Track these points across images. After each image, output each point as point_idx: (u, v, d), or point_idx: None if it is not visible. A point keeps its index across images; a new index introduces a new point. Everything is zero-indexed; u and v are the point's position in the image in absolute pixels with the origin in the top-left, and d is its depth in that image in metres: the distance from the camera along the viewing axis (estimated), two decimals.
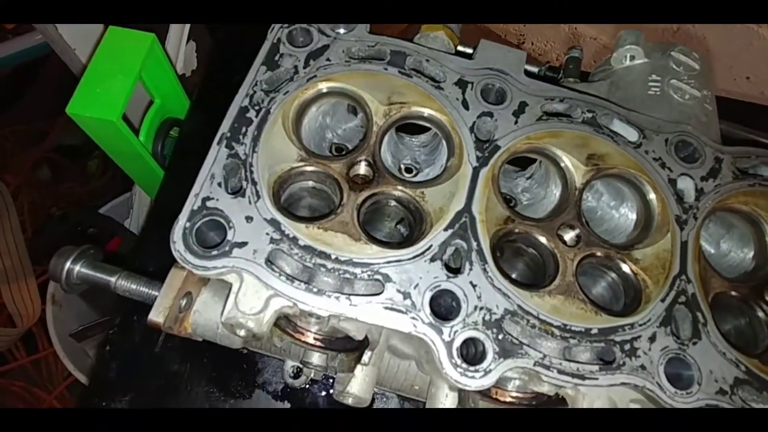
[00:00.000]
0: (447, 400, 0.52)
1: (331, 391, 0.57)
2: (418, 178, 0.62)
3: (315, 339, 0.55)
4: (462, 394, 0.53)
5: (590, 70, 0.79)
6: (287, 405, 0.75)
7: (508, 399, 0.52)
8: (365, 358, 0.52)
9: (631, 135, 0.56)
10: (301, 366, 0.70)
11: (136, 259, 0.76)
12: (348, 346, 0.54)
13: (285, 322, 0.55)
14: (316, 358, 0.56)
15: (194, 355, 0.75)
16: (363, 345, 0.54)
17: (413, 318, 0.45)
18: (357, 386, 0.53)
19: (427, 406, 0.54)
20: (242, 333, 0.46)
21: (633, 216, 0.57)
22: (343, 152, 0.63)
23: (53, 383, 1.62)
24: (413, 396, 0.63)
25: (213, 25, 1.37)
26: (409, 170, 0.64)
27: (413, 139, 0.64)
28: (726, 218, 0.59)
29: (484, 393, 0.53)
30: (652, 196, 0.54)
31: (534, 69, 0.81)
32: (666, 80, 0.62)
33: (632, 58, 0.65)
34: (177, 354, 0.75)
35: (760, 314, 0.52)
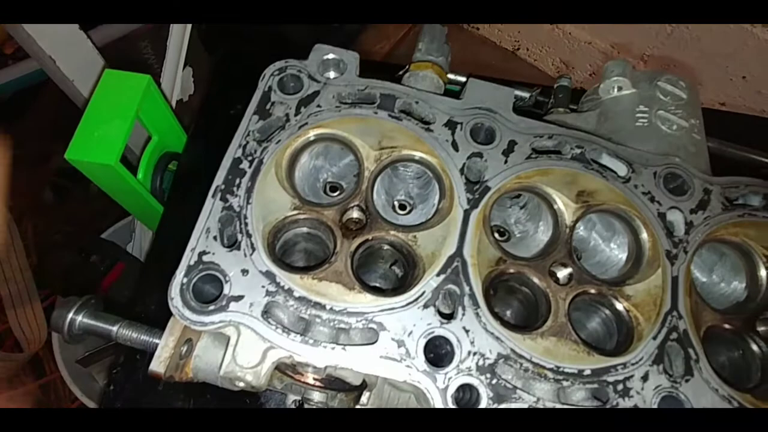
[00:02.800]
0: None
1: None
2: (411, 216, 0.63)
3: (314, 379, 0.56)
4: None
5: (588, 74, 0.79)
6: None
7: None
8: (363, 399, 0.53)
9: (620, 169, 0.57)
10: (302, 401, 0.71)
11: (138, 299, 0.77)
12: (347, 387, 0.55)
13: (284, 365, 0.56)
14: (317, 395, 0.57)
15: (197, 393, 0.76)
16: (362, 386, 0.55)
17: (408, 366, 0.46)
18: None
19: None
20: (241, 384, 0.47)
21: (624, 249, 0.58)
22: (338, 191, 0.64)
23: (61, 406, 1.63)
24: None
25: (209, 48, 1.39)
26: (402, 207, 0.65)
27: (407, 170, 0.65)
28: (718, 246, 0.59)
29: None
30: (642, 231, 0.55)
31: (525, 95, 0.82)
32: (653, 111, 0.63)
33: (620, 88, 0.65)
34: (180, 392, 0.76)
35: (753, 347, 0.53)
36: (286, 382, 0.58)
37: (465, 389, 0.46)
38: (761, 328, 0.54)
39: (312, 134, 0.56)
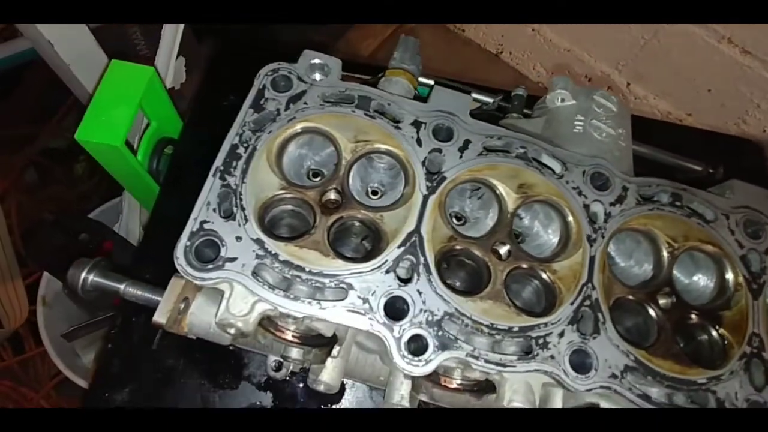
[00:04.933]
0: (402, 386, 0.63)
1: (307, 381, 0.68)
2: (382, 200, 0.73)
3: (293, 336, 0.66)
4: (416, 381, 0.64)
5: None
6: (270, 395, 0.85)
7: (454, 385, 0.64)
8: (334, 351, 0.63)
9: (556, 167, 0.68)
10: (281, 360, 0.81)
11: (136, 268, 0.86)
12: (320, 342, 0.65)
13: (267, 322, 0.66)
14: (294, 352, 0.67)
15: (187, 352, 0.85)
16: (332, 341, 0.65)
17: (370, 318, 0.56)
18: (327, 375, 0.64)
19: (386, 393, 0.65)
20: (232, 331, 0.57)
21: (557, 234, 0.69)
22: (319, 176, 0.74)
23: (40, 383, 1.67)
24: (379, 386, 0.74)
25: (199, 36, 1.46)
26: (375, 192, 0.75)
27: (380, 162, 0.75)
28: (635, 236, 0.71)
29: (435, 381, 0.65)
30: (570, 218, 0.66)
31: (490, 100, 0.94)
32: (588, 120, 0.75)
33: (563, 100, 0.77)
34: (172, 351, 0.85)
35: (652, 313, 0.65)
36: (268, 339, 0.68)
37: (416, 338, 0.56)
38: (661, 301, 0.66)
39: (298, 127, 0.66)
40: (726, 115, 1.95)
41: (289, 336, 0.67)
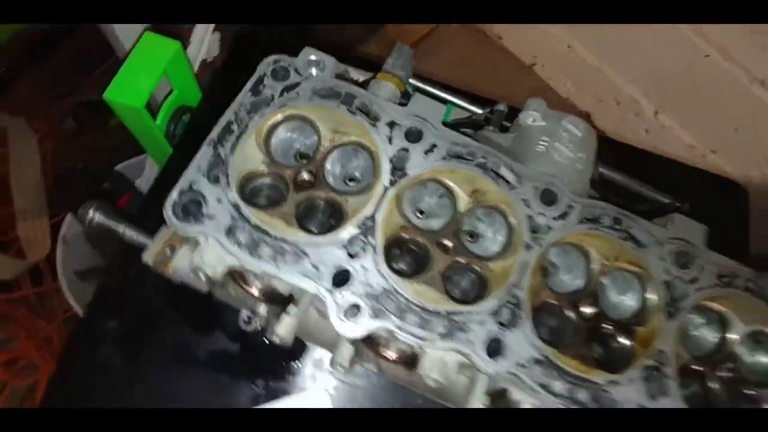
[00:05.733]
0: (345, 350, 0.73)
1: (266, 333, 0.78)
2: (355, 187, 0.82)
3: (259, 292, 0.77)
4: (359, 348, 0.74)
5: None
6: (238, 345, 0.97)
7: (392, 357, 0.74)
8: (289, 309, 0.73)
9: (510, 179, 0.76)
10: (251, 315, 0.92)
11: (140, 217, 0.98)
12: (280, 300, 0.75)
13: (239, 277, 0.77)
14: (261, 308, 0.77)
15: (172, 298, 0.97)
16: (289, 300, 0.75)
17: (316, 283, 0.66)
18: (281, 328, 0.74)
19: (332, 355, 0.74)
20: (202, 276, 0.68)
21: (502, 238, 0.78)
22: (305, 159, 0.84)
23: (53, 315, 1.81)
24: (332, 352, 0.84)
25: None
26: (352, 179, 0.84)
27: (360, 154, 0.83)
28: (572, 250, 0.79)
29: (374, 350, 0.75)
30: (513, 225, 0.74)
31: (480, 111, 1.02)
32: (552, 142, 0.82)
33: (534, 120, 0.85)
34: (161, 295, 0.97)
35: (572, 318, 0.73)
36: (239, 293, 0.79)
37: (354, 306, 0.66)
38: (583, 309, 0.74)
39: (287, 113, 0.76)
40: (749, 156, 1.92)
41: (255, 292, 0.78)
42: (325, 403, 0.93)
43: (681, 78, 1.96)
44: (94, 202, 0.78)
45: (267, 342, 0.93)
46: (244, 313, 0.95)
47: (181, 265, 0.75)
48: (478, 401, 0.66)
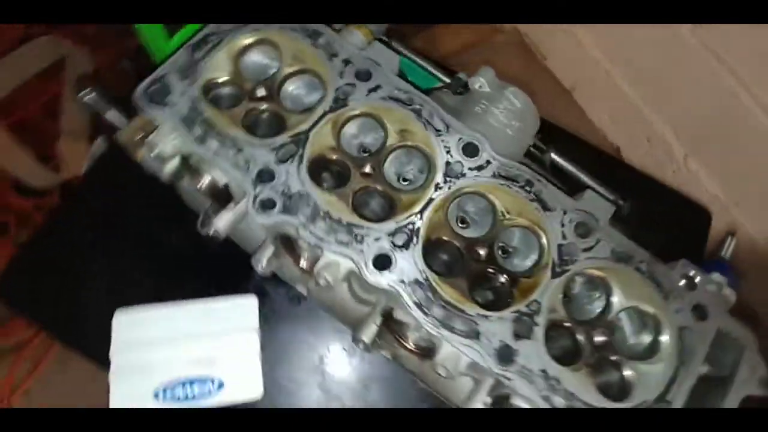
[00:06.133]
0: (370, 329, 0.77)
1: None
2: (300, 107, 0.91)
3: (206, 186, 0.88)
4: (381, 331, 0.80)
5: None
6: (193, 246, 1.09)
7: (408, 343, 0.83)
8: (230, 205, 0.84)
9: (440, 127, 0.85)
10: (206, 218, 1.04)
11: None
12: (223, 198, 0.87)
13: (193, 171, 0.89)
14: (209, 207, 0.89)
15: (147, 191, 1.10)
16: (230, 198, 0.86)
17: (243, 176, 0.77)
18: (219, 221, 0.84)
19: (356, 330, 0.80)
20: (154, 154, 0.80)
21: (421, 173, 0.86)
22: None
23: None
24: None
25: None
26: (299, 101, 0.94)
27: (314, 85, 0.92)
28: (480, 200, 0.85)
29: (395, 336, 0.84)
30: (431, 163, 0.83)
31: (447, 80, 1.10)
32: (489, 106, 0.90)
33: (480, 86, 0.93)
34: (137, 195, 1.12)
35: (463, 255, 0.81)
36: (192, 185, 0.91)
37: (269, 201, 0.77)
38: (477, 250, 0.81)
39: (258, 36, 0.88)
40: None
41: (204, 185, 0.89)
42: (253, 306, 1.02)
43: (716, 126, 1.89)
44: (94, 87, 0.93)
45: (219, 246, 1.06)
46: (201, 215, 1.08)
47: (147, 152, 0.88)
48: (479, 402, 0.73)
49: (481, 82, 0.92)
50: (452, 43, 2.32)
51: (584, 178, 1.08)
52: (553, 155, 1.10)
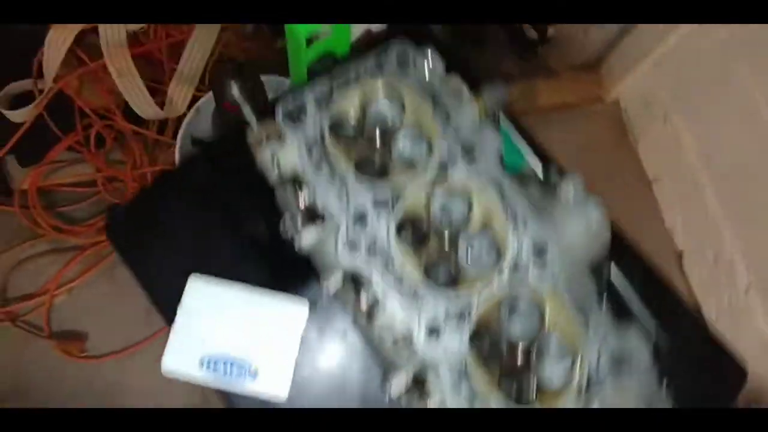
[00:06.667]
0: (335, 278, 0.92)
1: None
2: (407, 160, 1.01)
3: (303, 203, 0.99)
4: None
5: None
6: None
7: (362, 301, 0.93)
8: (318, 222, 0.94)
9: (519, 221, 0.92)
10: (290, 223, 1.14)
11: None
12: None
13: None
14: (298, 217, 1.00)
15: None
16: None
17: (340, 212, 0.88)
18: (305, 236, 0.94)
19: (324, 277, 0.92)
20: (270, 159, 0.92)
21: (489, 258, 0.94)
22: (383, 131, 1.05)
23: (155, 162, 2.00)
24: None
25: None
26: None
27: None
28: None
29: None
30: (504, 255, 0.90)
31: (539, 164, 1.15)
32: (570, 215, 0.96)
33: (567, 192, 0.99)
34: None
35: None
36: (290, 193, 1.02)
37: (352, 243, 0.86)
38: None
39: (386, 89, 0.98)
40: None
41: (303, 200, 0.99)
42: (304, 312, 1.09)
43: None
44: (238, 80, 1.06)
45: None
46: (287, 218, 1.18)
47: (266, 150, 0.99)
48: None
49: (569, 190, 0.99)
50: (551, 99, 2.32)
51: (635, 308, 1.11)
52: (612, 269, 1.14)
